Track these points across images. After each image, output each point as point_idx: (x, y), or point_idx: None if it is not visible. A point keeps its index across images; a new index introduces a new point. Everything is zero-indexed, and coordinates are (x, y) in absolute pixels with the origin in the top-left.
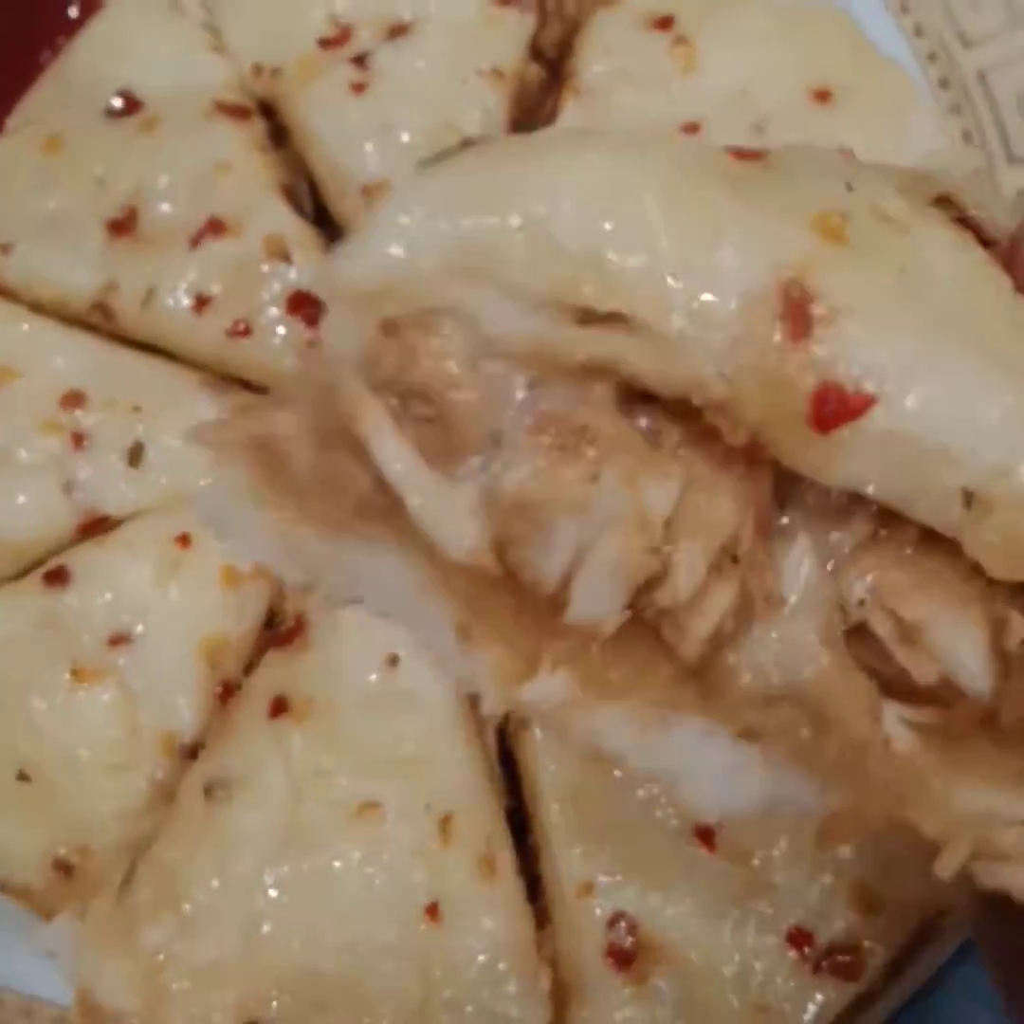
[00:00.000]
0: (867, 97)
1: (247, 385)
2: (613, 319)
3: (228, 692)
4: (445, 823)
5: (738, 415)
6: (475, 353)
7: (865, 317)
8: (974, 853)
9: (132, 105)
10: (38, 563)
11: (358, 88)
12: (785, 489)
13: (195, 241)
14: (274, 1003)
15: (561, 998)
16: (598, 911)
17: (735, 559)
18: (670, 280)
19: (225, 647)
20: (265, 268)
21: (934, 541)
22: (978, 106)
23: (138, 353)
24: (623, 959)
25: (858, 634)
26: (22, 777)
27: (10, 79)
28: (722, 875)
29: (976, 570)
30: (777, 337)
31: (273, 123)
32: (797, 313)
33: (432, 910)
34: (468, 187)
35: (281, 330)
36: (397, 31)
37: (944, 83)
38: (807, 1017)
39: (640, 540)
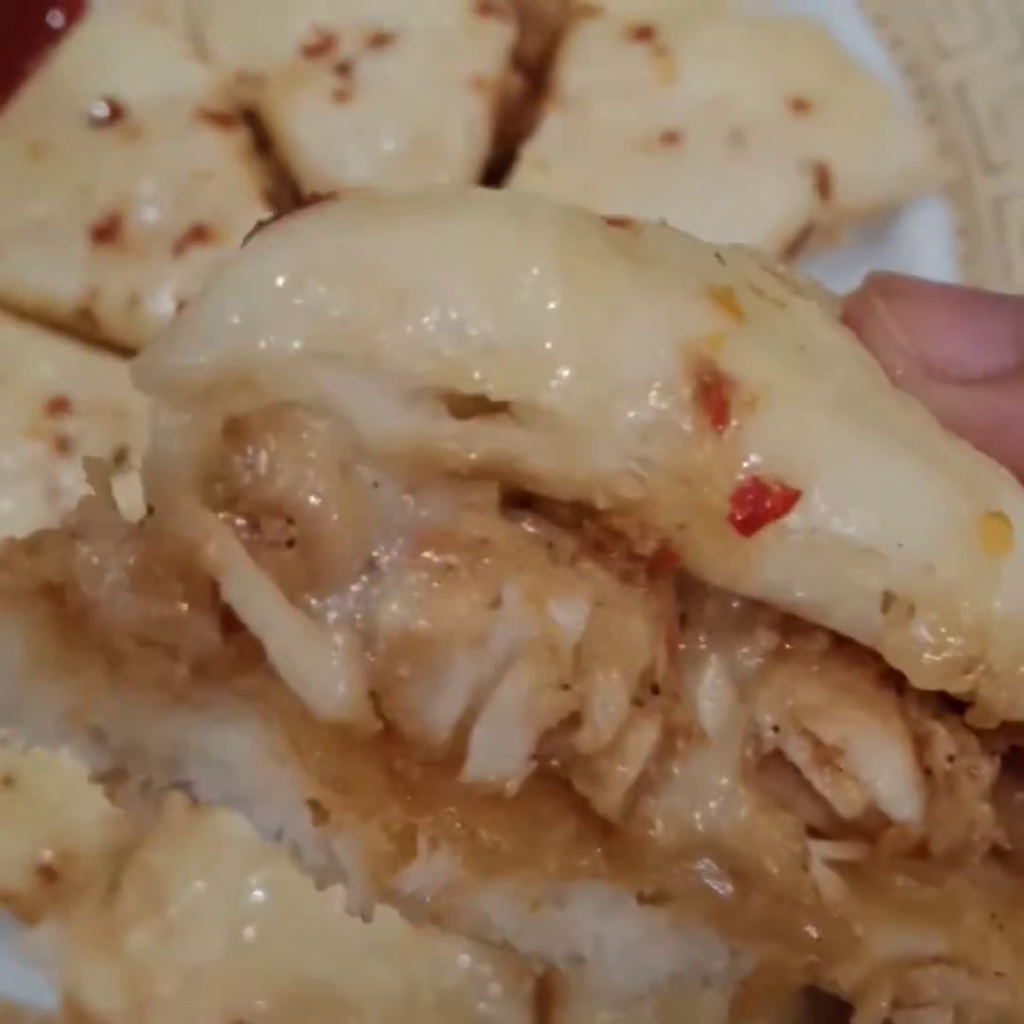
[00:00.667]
0: (844, 108)
1: None
2: (498, 411)
3: None
4: None
5: (649, 518)
6: (343, 457)
7: (783, 403)
8: (894, 1001)
9: (116, 113)
10: None
11: (341, 96)
12: (684, 602)
13: (179, 248)
14: (259, 1005)
15: (544, 1000)
16: None
17: (654, 689)
18: (570, 364)
19: None
20: None
21: (843, 649)
22: (955, 117)
23: (122, 359)
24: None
25: (772, 763)
26: (6, 782)
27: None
28: None
29: (888, 678)
30: (692, 426)
31: (256, 131)
32: (712, 398)
33: None
34: (332, 255)
35: None
36: (380, 40)
37: (921, 94)
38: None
39: (550, 673)
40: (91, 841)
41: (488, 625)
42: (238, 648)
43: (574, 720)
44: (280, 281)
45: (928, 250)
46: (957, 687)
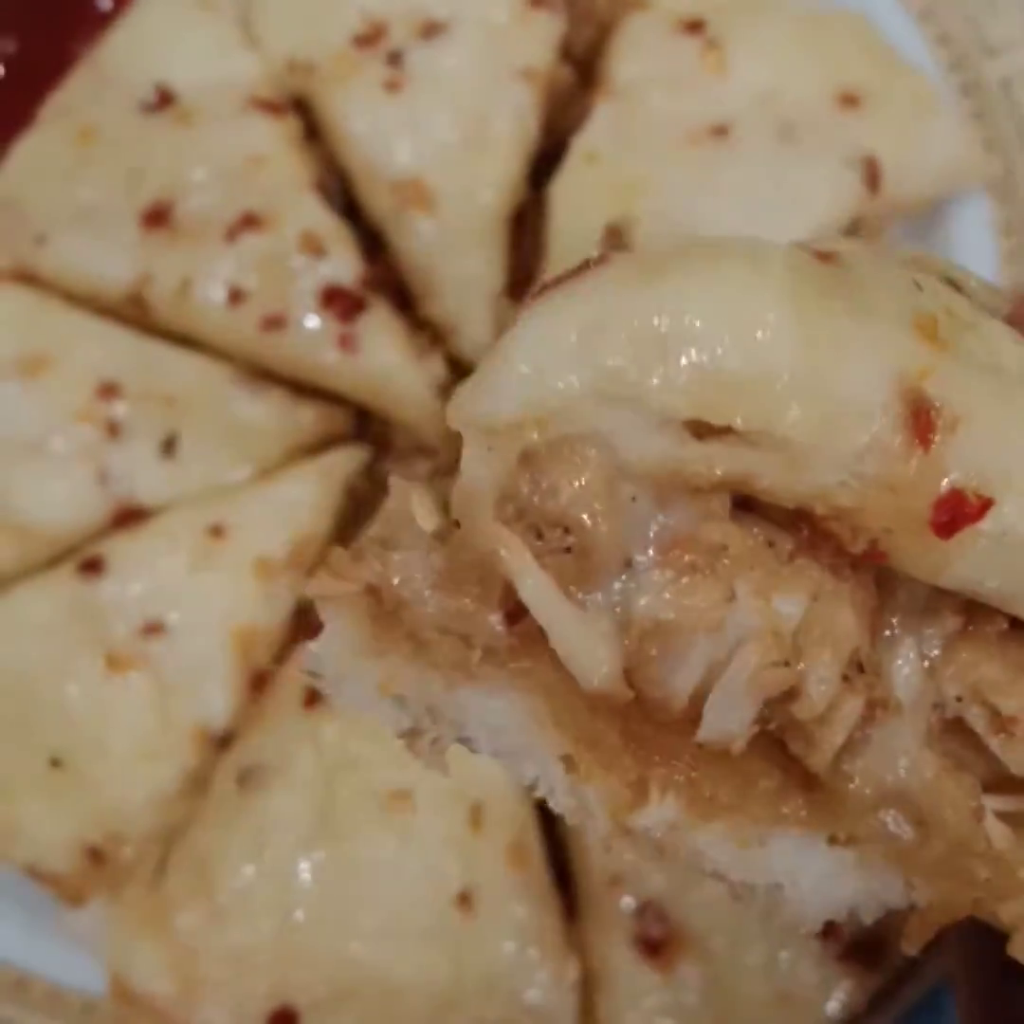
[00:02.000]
0: (890, 102)
1: (279, 379)
2: (730, 434)
3: (261, 682)
4: (475, 812)
5: (860, 522)
6: (609, 477)
7: (981, 422)
8: None
9: (166, 98)
10: (71, 552)
11: (391, 86)
12: (882, 591)
13: (230, 235)
14: (306, 989)
15: (589, 986)
16: (626, 901)
17: (861, 668)
18: (801, 396)
19: (257, 637)
20: (299, 263)
21: (1019, 631)
22: (1000, 113)
23: (172, 345)
24: (650, 948)
25: (954, 728)
26: (55, 764)
27: (42, 71)
28: None
29: None
30: (901, 445)
31: (306, 119)
32: (920, 421)
33: (463, 898)
34: (607, 313)
35: (314, 324)
36: (431, 30)
37: (966, 90)
38: (830, 1005)
39: (773, 654)
40: (139, 823)
41: (724, 615)
42: (518, 637)
43: (792, 693)
44: (566, 338)
45: (971, 246)
46: None
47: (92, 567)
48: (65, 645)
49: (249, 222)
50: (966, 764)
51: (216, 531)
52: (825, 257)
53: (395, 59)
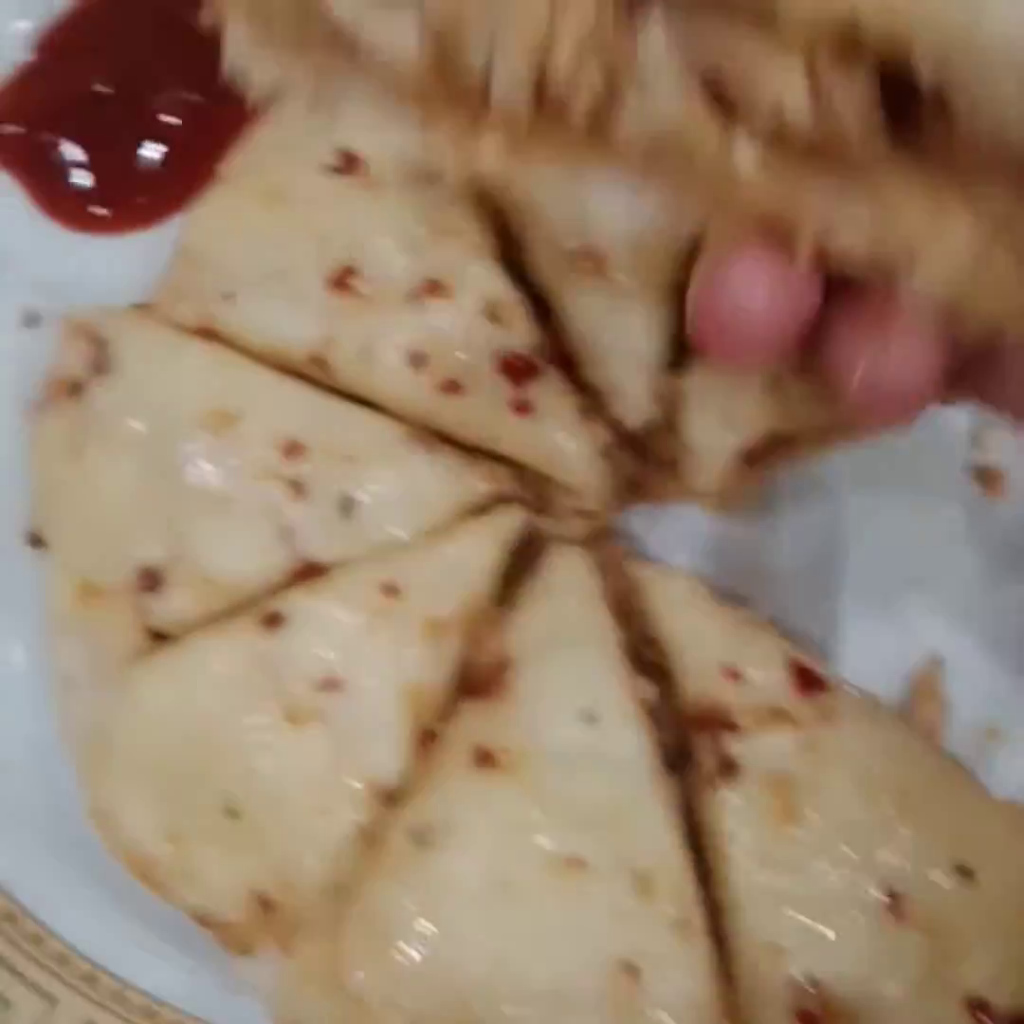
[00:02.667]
0: None
1: (451, 440)
2: None
3: (428, 739)
4: (645, 882)
5: None
6: None
7: None
8: None
9: (352, 163)
10: (252, 604)
11: None
12: None
13: (412, 300)
14: None
15: None
16: (786, 973)
17: (601, 45)
18: None
19: (426, 695)
20: (478, 329)
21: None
22: None
23: (352, 405)
24: (809, 1021)
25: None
26: (230, 813)
27: (224, 125)
28: (913, 945)
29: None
30: None
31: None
32: None
33: (629, 967)
34: None
35: (490, 389)
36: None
37: None
38: None
39: (532, 31)
40: (311, 875)
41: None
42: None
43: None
44: None
45: None
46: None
47: (273, 621)
48: (245, 697)
49: (430, 288)
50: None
51: (390, 590)
52: None
53: None
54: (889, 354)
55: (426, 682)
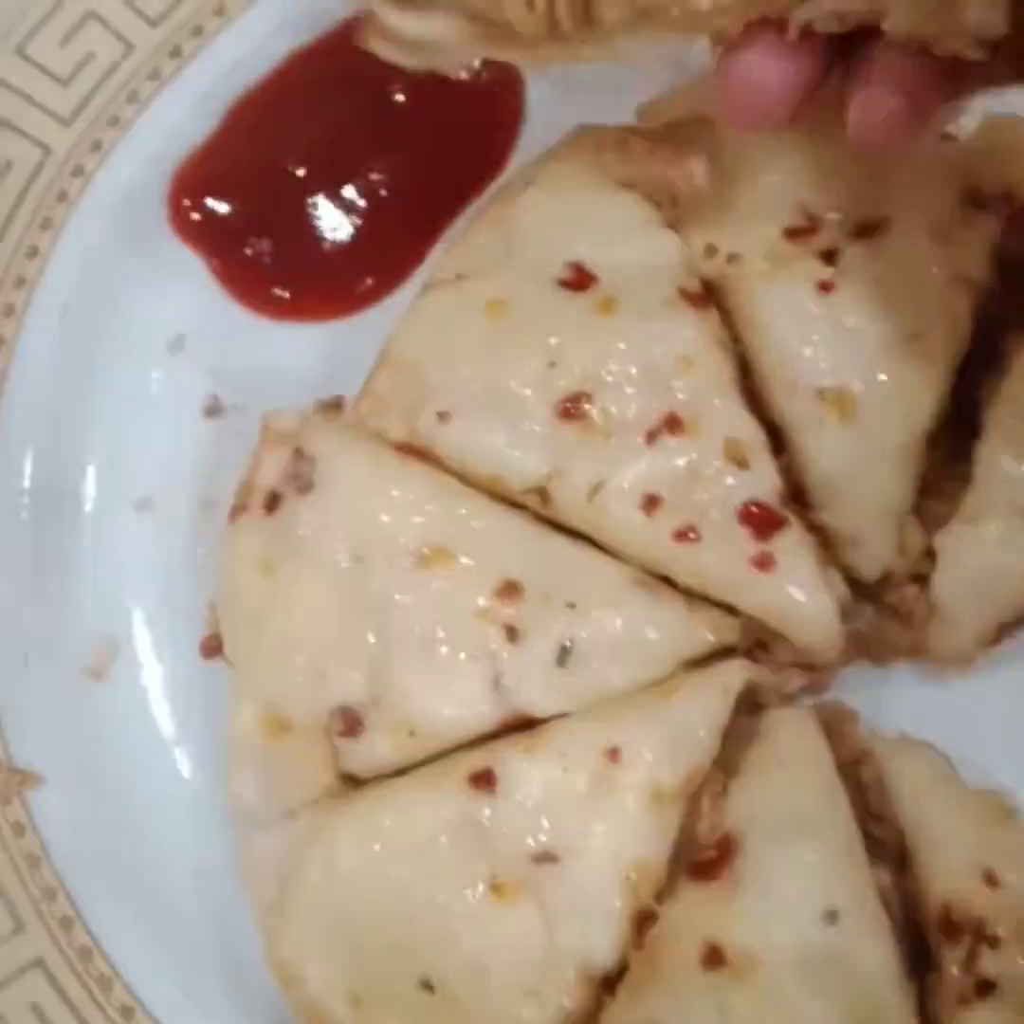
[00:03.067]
0: None
1: (681, 589)
2: None
3: (646, 920)
4: None
5: None
6: None
7: None
8: None
9: (584, 279)
10: (456, 754)
11: (824, 286)
12: None
13: (650, 437)
14: None
15: None
16: None
17: None
18: None
19: (648, 874)
20: (720, 473)
21: None
22: None
23: (574, 543)
24: None
25: None
26: (426, 986)
27: (421, 214)
28: None
29: None
30: None
31: (716, 304)
32: None
33: None
34: None
35: (731, 539)
36: (867, 229)
37: None
38: None
39: None
40: None
41: None
42: None
43: None
44: None
45: None
46: None
47: (484, 780)
48: (450, 862)
49: (671, 425)
50: None
51: (612, 754)
52: None
53: (829, 256)
54: (875, 87)
55: (648, 858)
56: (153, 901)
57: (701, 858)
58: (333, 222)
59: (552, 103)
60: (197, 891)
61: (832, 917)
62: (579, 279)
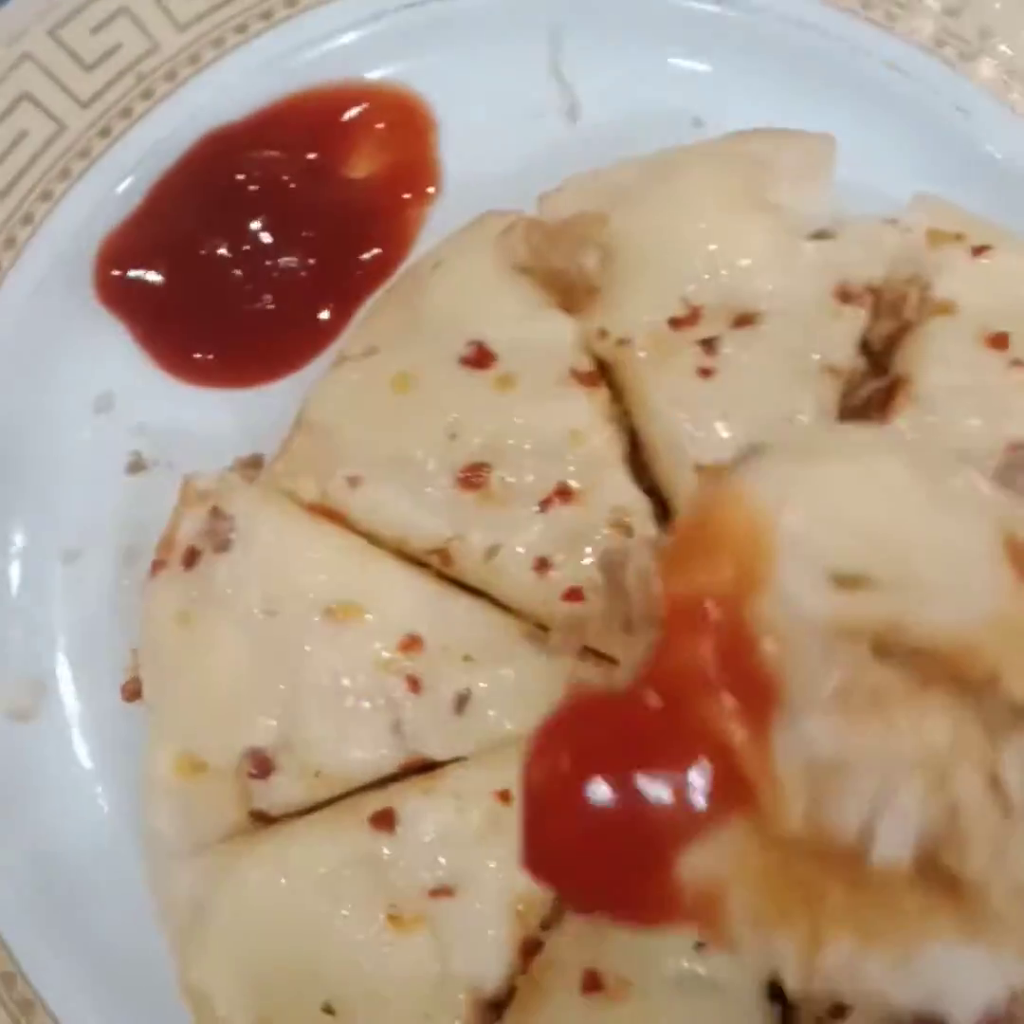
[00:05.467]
0: None
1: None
2: (882, 589)
3: (532, 948)
4: None
5: (981, 654)
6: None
7: None
8: None
9: (484, 357)
10: (359, 791)
11: (704, 371)
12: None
13: (544, 505)
14: None
15: None
16: None
17: (994, 781)
18: (931, 549)
19: (534, 906)
20: (607, 539)
21: None
22: None
23: (472, 600)
24: None
25: None
26: (328, 1010)
27: (339, 285)
28: None
29: None
30: (1010, 586)
31: (608, 382)
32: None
33: None
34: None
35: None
36: (743, 320)
37: None
38: None
39: (931, 777)
40: None
41: (890, 747)
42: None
43: (951, 812)
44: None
45: None
46: None
47: (384, 820)
48: (352, 896)
49: (562, 494)
50: None
51: (503, 795)
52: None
53: (709, 345)
54: None
55: (535, 891)
56: (74, 928)
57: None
58: (253, 296)
59: (462, 188)
60: (118, 920)
61: (701, 946)
62: (479, 357)
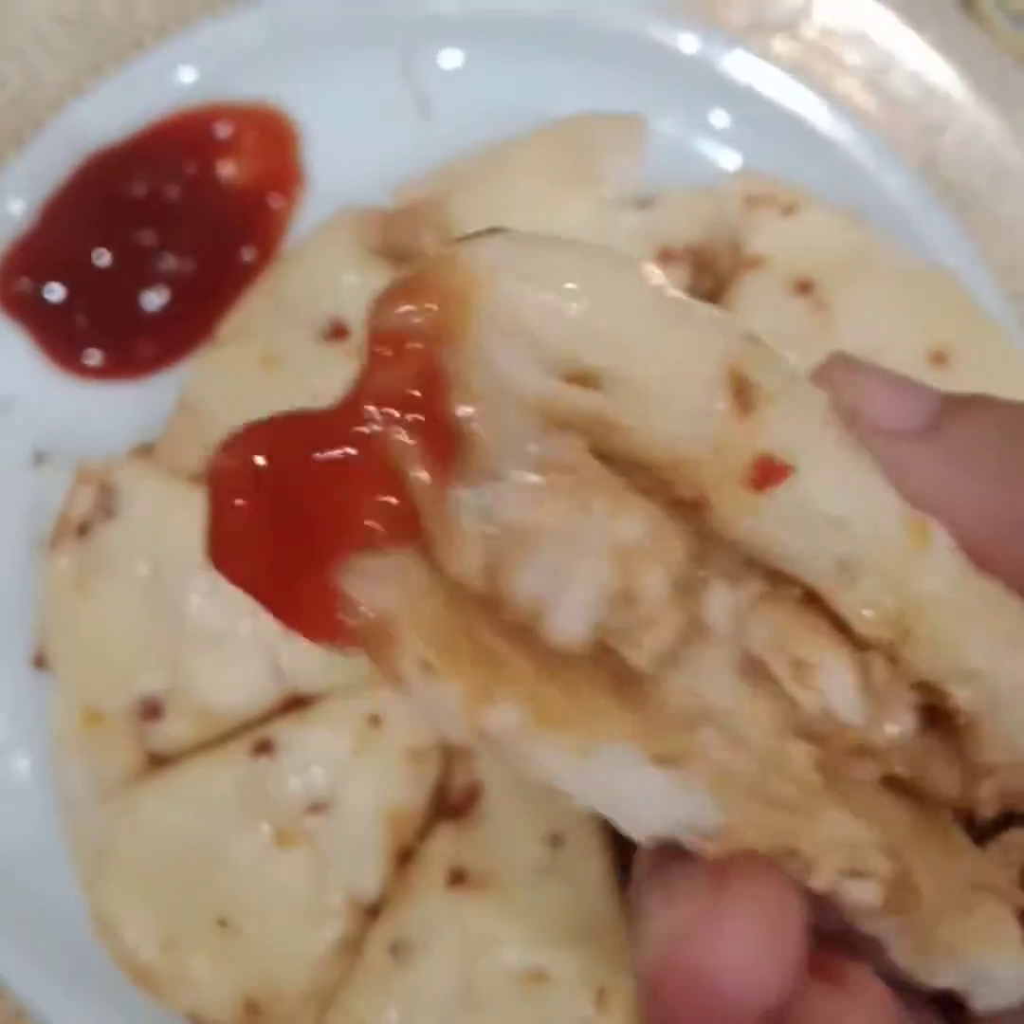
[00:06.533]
0: (975, 358)
1: None
2: (603, 385)
3: (405, 857)
4: (601, 994)
5: (691, 473)
6: (497, 399)
7: (789, 406)
8: (840, 870)
9: (340, 331)
10: (243, 732)
11: None
12: (704, 545)
13: None
14: None
15: None
16: None
17: (683, 589)
18: (656, 359)
19: (406, 818)
20: None
21: (814, 600)
22: None
23: None
24: None
25: (755, 673)
26: (222, 924)
27: (218, 288)
28: None
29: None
30: (726, 413)
31: None
32: (741, 395)
33: None
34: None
35: None
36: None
37: None
38: None
39: (615, 564)
40: (295, 981)
41: (577, 526)
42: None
43: (626, 599)
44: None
45: None
46: (886, 635)
47: (264, 749)
48: (237, 818)
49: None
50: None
51: (374, 721)
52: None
53: None
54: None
55: (406, 804)
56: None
57: (452, 802)
58: (141, 298)
59: (327, 189)
60: (38, 874)
61: (557, 840)
62: (335, 331)
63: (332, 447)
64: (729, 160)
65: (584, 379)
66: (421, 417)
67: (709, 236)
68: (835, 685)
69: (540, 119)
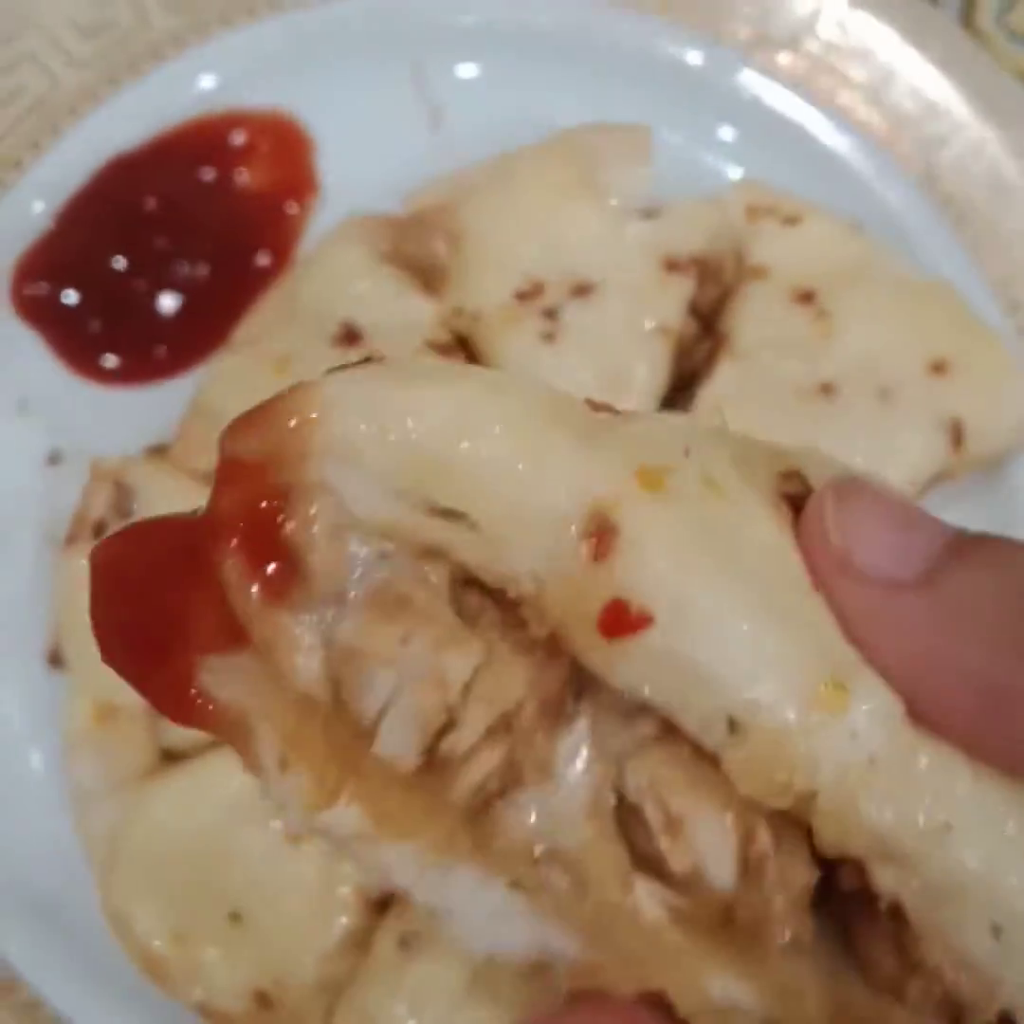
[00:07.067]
0: (973, 368)
1: None
2: (456, 517)
3: None
4: None
5: (543, 611)
6: (339, 525)
7: (656, 553)
8: None
9: (353, 336)
10: None
11: (547, 337)
12: (584, 685)
13: None
14: None
15: None
16: None
17: (509, 729)
18: (502, 492)
19: None
20: None
21: (703, 751)
22: None
23: None
24: None
25: (630, 815)
26: (233, 917)
27: (233, 292)
28: None
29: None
30: (582, 554)
31: (467, 353)
32: (600, 538)
33: None
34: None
35: None
36: (581, 291)
37: None
38: None
39: (436, 697)
40: (305, 973)
41: (398, 655)
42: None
43: (446, 732)
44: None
45: None
46: (778, 804)
47: None
48: (248, 814)
49: None
50: (633, 847)
51: None
52: (603, 408)
53: (551, 314)
54: None
55: None
56: (17, 880)
57: None
58: (156, 303)
59: (340, 196)
60: (51, 866)
61: None
62: (348, 337)
63: (181, 557)
64: (734, 171)
65: (445, 512)
66: (253, 540)
67: (713, 246)
68: (708, 846)
69: (549, 130)
